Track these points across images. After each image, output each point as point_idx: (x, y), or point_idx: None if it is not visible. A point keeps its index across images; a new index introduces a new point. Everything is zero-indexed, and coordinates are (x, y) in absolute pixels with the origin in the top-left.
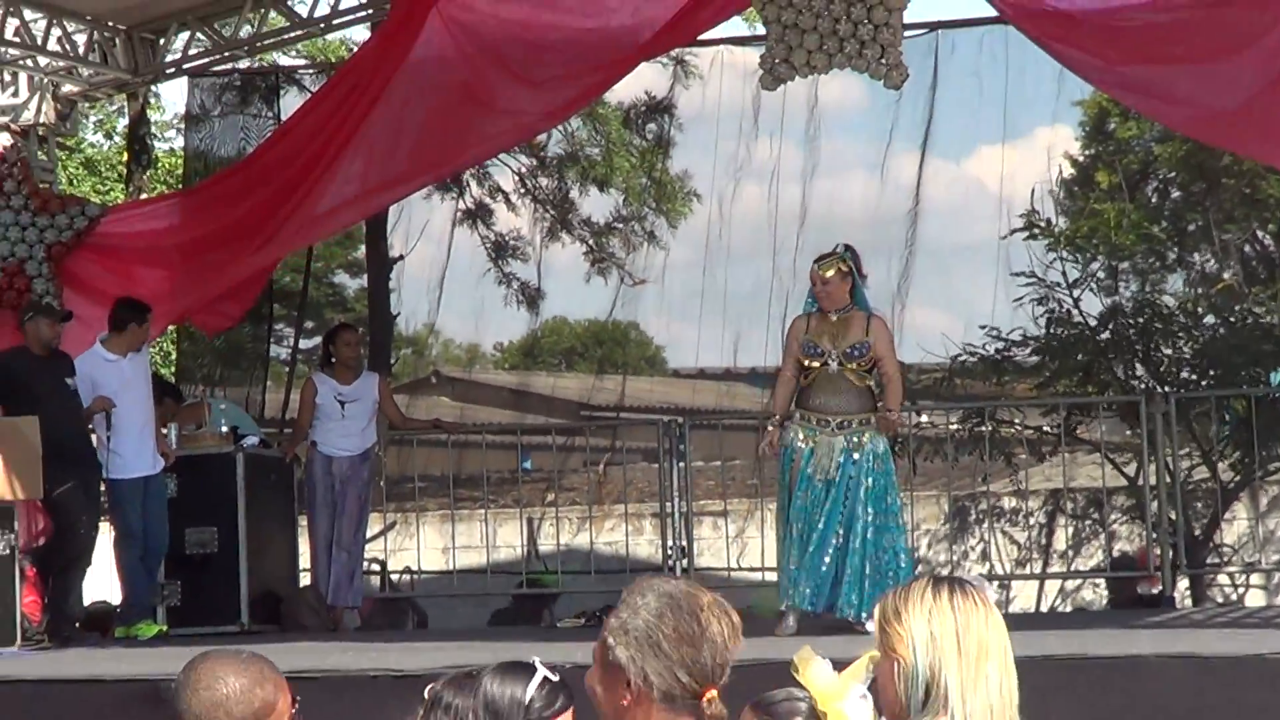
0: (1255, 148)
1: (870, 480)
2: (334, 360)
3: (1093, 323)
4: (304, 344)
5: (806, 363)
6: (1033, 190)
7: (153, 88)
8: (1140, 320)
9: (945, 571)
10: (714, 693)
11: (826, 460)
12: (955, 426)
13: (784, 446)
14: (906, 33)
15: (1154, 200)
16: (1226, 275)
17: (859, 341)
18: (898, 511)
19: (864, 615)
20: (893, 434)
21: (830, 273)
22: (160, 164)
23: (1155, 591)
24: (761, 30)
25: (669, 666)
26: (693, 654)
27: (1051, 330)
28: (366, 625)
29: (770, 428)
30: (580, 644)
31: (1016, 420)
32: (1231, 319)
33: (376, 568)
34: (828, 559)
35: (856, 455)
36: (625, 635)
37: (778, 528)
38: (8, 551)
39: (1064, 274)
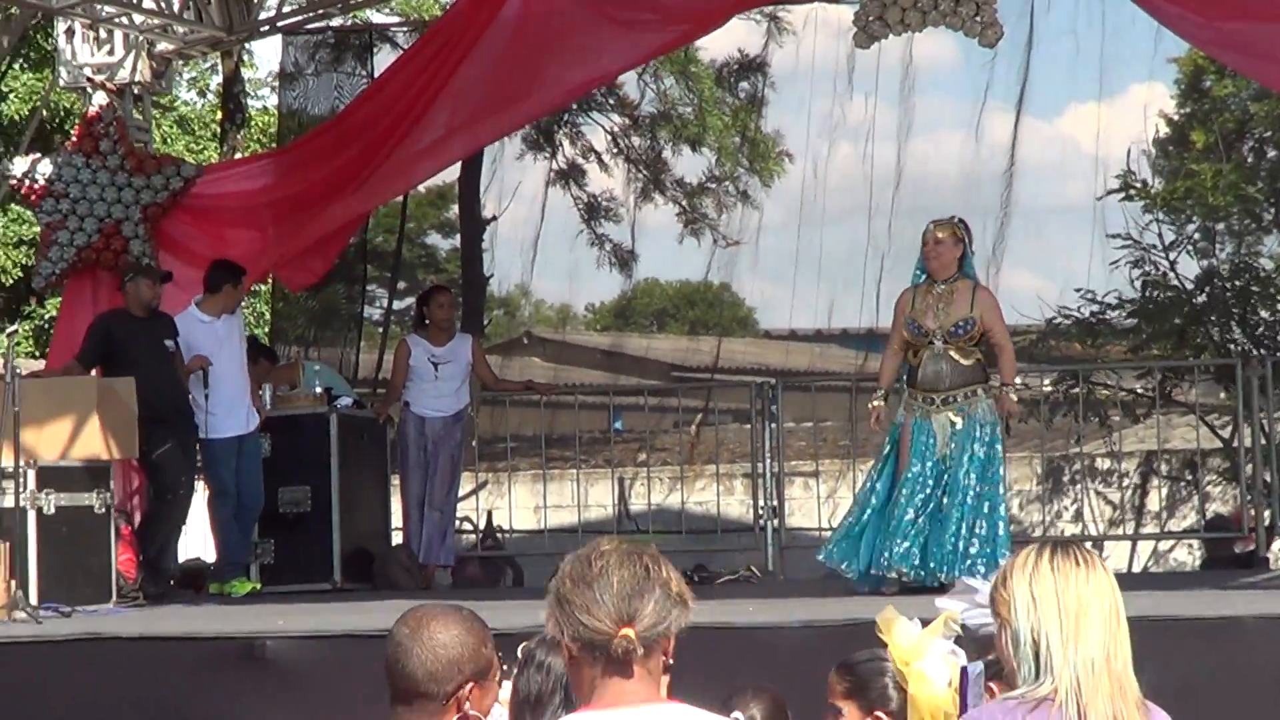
0: None
1: (976, 448)
2: (428, 322)
3: (1189, 286)
4: (397, 305)
5: (910, 339)
6: (1128, 151)
7: (247, 45)
8: (1237, 283)
9: (1038, 532)
10: (626, 630)
11: (941, 437)
12: (1049, 388)
13: (894, 424)
14: None
15: (1250, 160)
16: None
17: (964, 319)
18: (999, 482)
19: (957, 575)
20: (1009, 414)
21: (944, 234)
22: (254, 122)
23: (1249, 550)
24: None
25: (571, 612)
26: (590, 595)
27: (1147, 293)
28: (462, 583)
29: (875, 403)
30: None
31: (1111, 382)
32: None
33: (469, 526)
34: (922, 521)
35: (961, 423)
36: (549, 597)
37: (859, 493)
38: (104, 510)
39: (1160, 236)
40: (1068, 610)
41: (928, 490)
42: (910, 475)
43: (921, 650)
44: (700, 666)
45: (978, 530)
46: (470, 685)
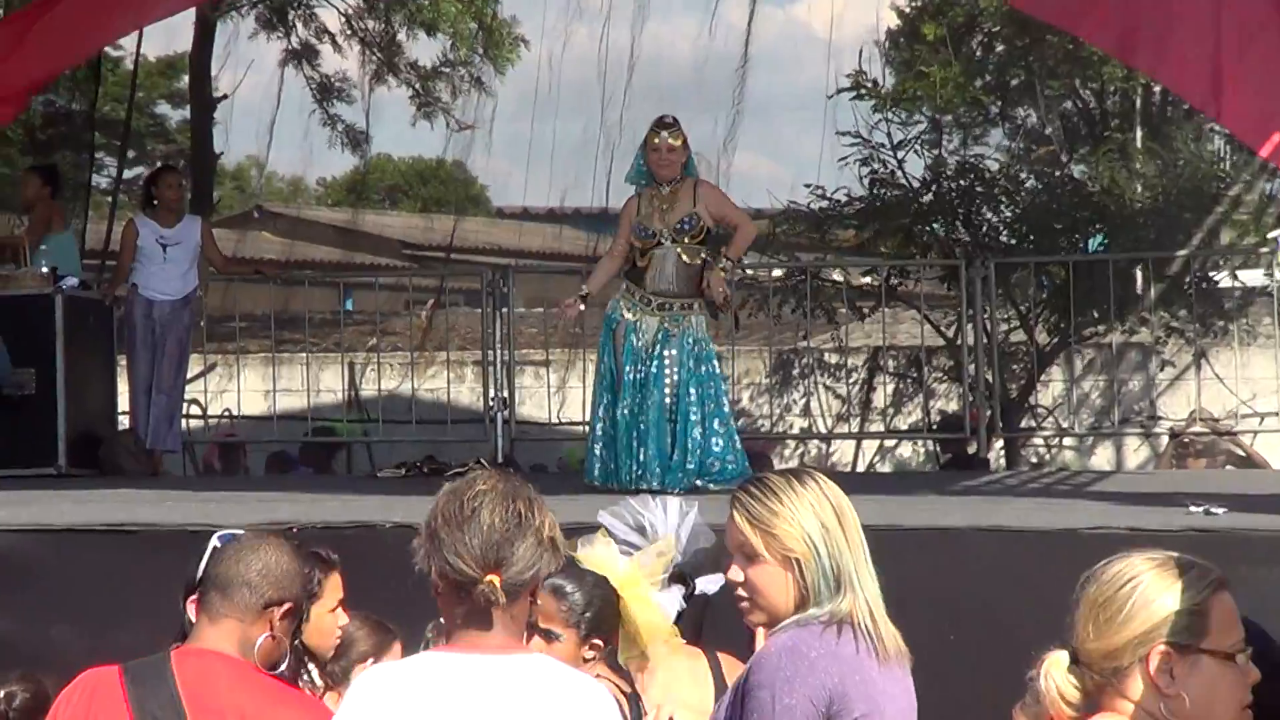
0: (1077, 24)
1: (693, 375)
2: (156, 203)
3: (916, 185)
4: (126, 174)
5: (640, 245)
6: (860, 50)
7: None
8: (962, 183)
9: (767, 426)
10: (491, 577)
11: (645, 336)
12: (778, 275)
13: (607, 315)
14: None
15: (978, 54)
16: (1048, 131)
17: (688, 214)
18: (725, 413)
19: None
20: (715, 298)
21: (676, 141)
22: None
23: (971, 452)
24: None
25: (439, 549)
26: (458, 536)
27: (875, 191)
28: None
29: (575, 300)
30: (400, 496)
31: (839, 278)
32: (1052, 184)
33: (197, 410)
34: (652, 444)
35: (674, 333)
36: (420, 535)
37: (593, 398)
38: None
39: (889, 135)
40: (852, 536)
41: (643, 403)
42: (629, 382)
43: (637, 578)
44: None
45: (702, 459)
46: (282, 607)
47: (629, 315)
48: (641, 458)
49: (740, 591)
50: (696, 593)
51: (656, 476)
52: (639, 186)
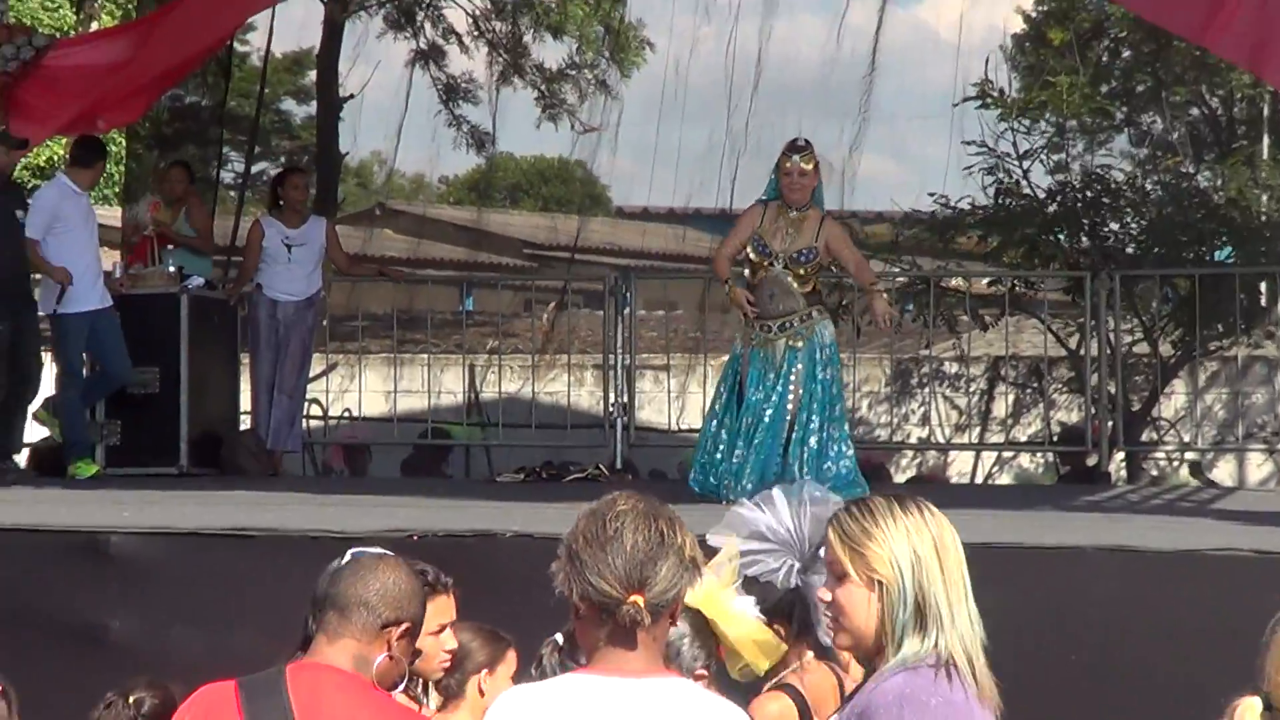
0: (1212, 40)
1: (819, 372)
2: (282, 203)
3: (1041, 195)
4: (253, 169)
5: (754, 258)
6: (987, 59)
7: None
8: (1088, 194)
9: (885, 435)
10: (635, 597)
11: (773, 360)
12: (901, 282)
13: (731, 353)
14: None
15: (1104, 59)
16: (1174, 139)
17: (808, 246)
18: (842, 419)
19: None
20: (881, 315)
21: (809, 166)
22: None
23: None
24: None
25: (581, 570)
26: (600, 557)
27: (999, 200)
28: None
29: (733, 291)
30: (519, 503)
31: (961, 287)
32: (1178, 194)
33: (317, 410)
34: (768, 454)
35: (800, 345)
36: (561, 548)
37: (705, 417)
38: None
39: (1014, 145)
40: (949, 569)
41: (767, 416)
42: (751, 403)
43: (713, 594)
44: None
45: (824, 469)
46: (400, 628)
47: (754, 344)
48: (746, 472)
49: (826, 612)
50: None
51: (755, 487)
52: (769, 196)
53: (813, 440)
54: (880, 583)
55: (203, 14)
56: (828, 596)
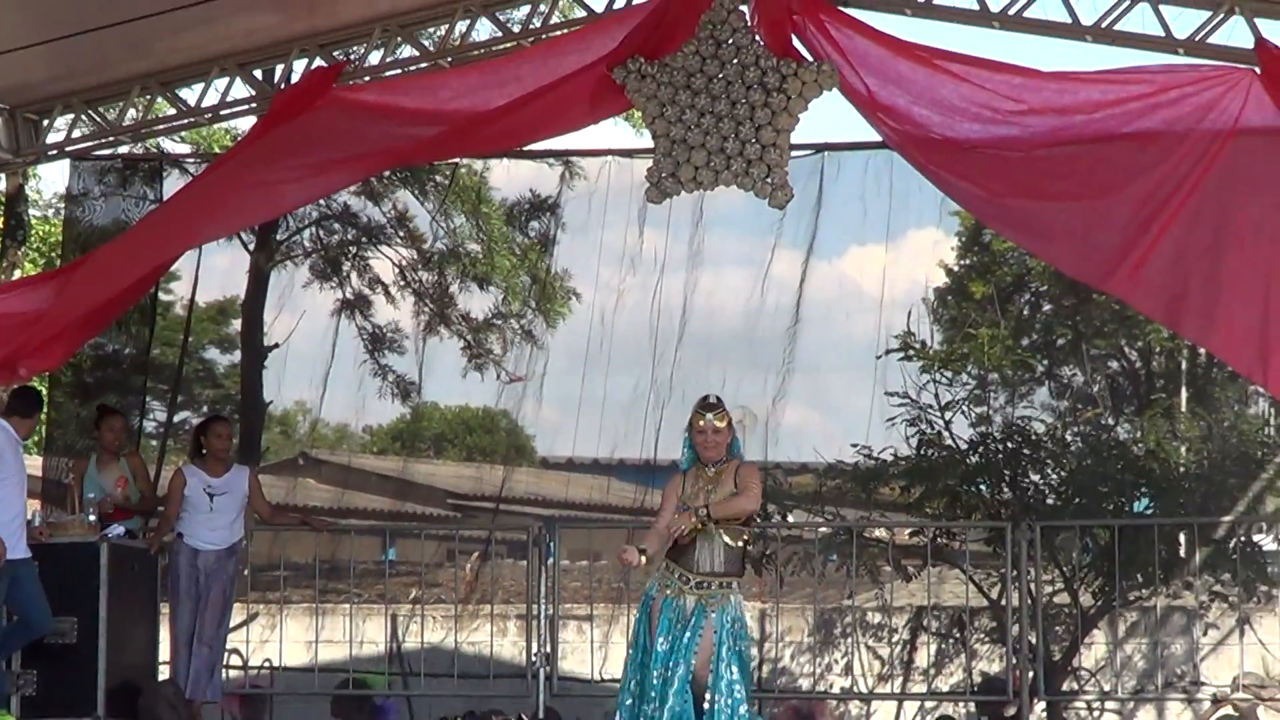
0: (1123, 289)
1: (724, 646)
2: (204, 452)
3: (963, 446)
4: (175, 418)
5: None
6: (909, 312)
7: (33, 168)
8: (1009, 445)
9: (808, 684)
10: None
11: (683, 612)
12: (824, 533)
13: (645, 594)
14: (793, 153)
15: (1025, 312)
16: (1094, 391)
17: (730, 494)
18: (744, 685)
19: None
20: (685, 525)
21: (721, 424)
22: (35, 232)
23: (1010, 714)
24: (649, 140)
25: None
26: None
27: (922, 451)
28: None
29: (631, 549)
30: None
31: (884, 538)
32: (1098, 446)
33: (237, 660)
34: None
35: (712, 610)
36: None
37: (624, 673)
38: None
39: (936, 396)
40: None
41: (671, 675)
42: (659, 654)
43: None
44: None
45: None
46: None
47: (669, 593)
48: None
49: None
50: None
51: None
52: (685, 465)
53: (723, 702)
54: None
55: (123, 261)
56: None
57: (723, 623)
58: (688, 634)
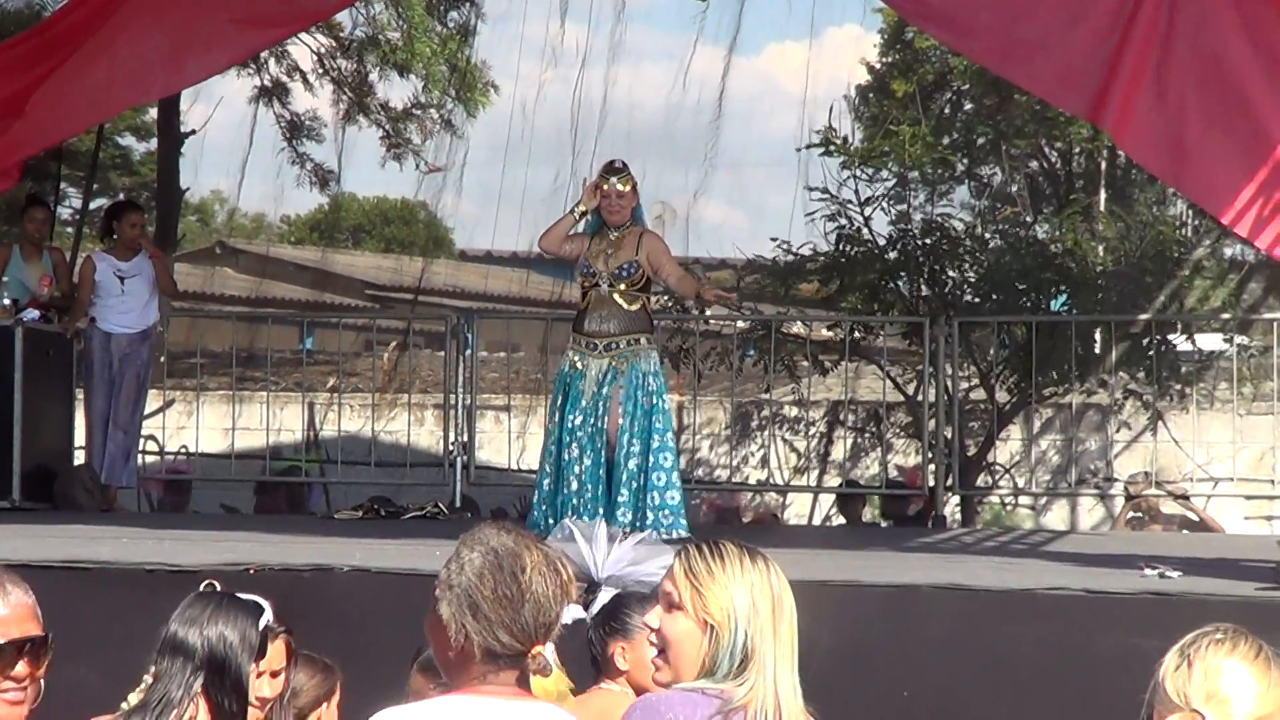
0: (1043, 86)
1: (640, 397)
2: (115, 236)
3: (882, 242)
4: (91, 205)
5: (581, 282)
6: (831, 107)
7: None
8: (928, 241)
9: (725, 475)
10: (539, 648)
11: (591, 381)
12: (741, 328)
13: (559, 371)
14: None
15: (946, 111)
16: (1013, 190)
17: (629, 261)
18: (669, 450)
19: None
20: (714, 297)
21: (626, 187)
22: None
23: (919, 510)
24: None
25: (488, 626)
26: (512, 615)
27: (841, 247)
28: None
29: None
30: (357, 539)
31: (801, 333)
32: (1016, 244)
33: (154, 447)
34: (589, 486)
35: (622, 370)
36: (449, 591)
37: (541, 452)
38: None
39: (856, 192)
40: (780, 624)
41: (584, 444)
42: (570, 428)
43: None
44: (390, 616)
45: (648, 500)
46: None
47: (578, 363)
48: (576, 504)
49: (652, 639)
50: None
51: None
52: (591, 230)
53: (632, 464)
54: (712, 626)
55: (81, 95)
56: (655, 623)
57: (631, 382)
58: (600, 407)
